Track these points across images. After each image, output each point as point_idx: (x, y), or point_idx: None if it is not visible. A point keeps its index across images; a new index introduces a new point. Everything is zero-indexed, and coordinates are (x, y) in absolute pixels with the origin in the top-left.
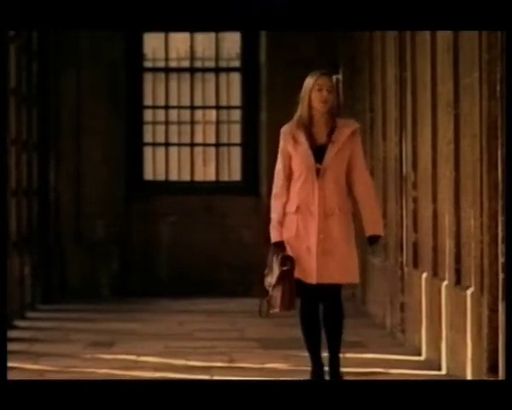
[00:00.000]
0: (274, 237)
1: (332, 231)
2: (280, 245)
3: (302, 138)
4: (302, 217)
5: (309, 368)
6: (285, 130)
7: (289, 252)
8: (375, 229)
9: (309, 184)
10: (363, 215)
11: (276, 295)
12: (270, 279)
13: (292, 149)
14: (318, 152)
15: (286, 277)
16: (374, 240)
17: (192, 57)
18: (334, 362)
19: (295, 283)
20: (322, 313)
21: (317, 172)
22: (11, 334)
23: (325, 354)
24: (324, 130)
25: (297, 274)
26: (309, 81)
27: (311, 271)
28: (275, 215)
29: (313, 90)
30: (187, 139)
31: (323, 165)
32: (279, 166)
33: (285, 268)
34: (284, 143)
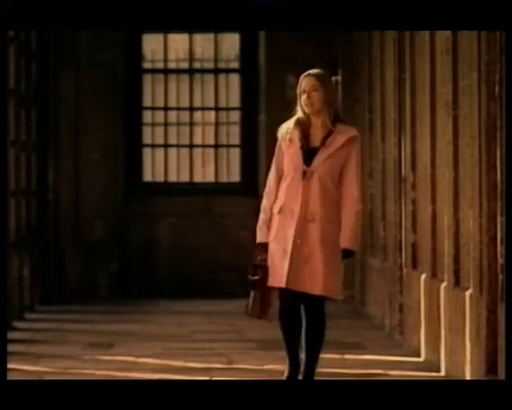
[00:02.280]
0: (258, 237)
1: (310, 237)
2: (263, 246)
3: (296, 138)
4: (283, 218)
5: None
6: (282, 128)
7: (269, 252)
8: (348, 243)
9: (295, 185)
10: (342, 227)
11: (248, 300)
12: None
13: (285, 148)
14: (310, 154)
15: (255, 286)
16: (346, 254)
17: (191, 58)
18: (307, 373)
19: (269, 287)
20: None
21: (304, 174)
22: (10, 335)
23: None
24: (321, 133)
25: (269, 280)
26: (298, 83)
27: (281, 274)
28: (262, 215)
29: (300, 94)
30: (186, 140)
31: (311, 168)
32: (272, 164)
33: (254, 278)
34: (280, 142)
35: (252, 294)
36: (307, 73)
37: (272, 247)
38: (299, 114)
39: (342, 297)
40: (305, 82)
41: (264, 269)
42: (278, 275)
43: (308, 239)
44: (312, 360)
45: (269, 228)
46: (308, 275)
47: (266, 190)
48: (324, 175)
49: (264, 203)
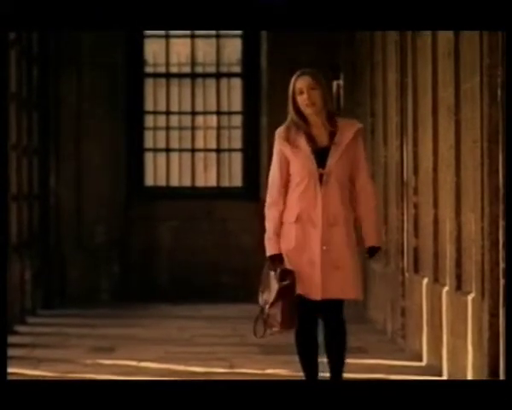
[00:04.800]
0: (270, 249)
1: (336, 242)
2: (277, 258)
3: (302, 142)
4: (302, 227)
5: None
6: (280, 133)
7: (288, 266)
8: (375, 240)
9: (311, 191)
10: (363, 225)
11: (275, 312)
12: (267, 296)
13: (290, 154)
14: (320, 156)
15: (286, 293)
16: (374, 251)
17: (193, 63)
18: (336, 378)
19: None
20: (322, 330)
21: (320, 177)
22: (11, 339)
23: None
24: (325, 131)
25: (299, 290)
26: (291, 84)
27: (314, 286)
28: (271, 225)
29: (296, 95)
30: (188, 145)
31: (326, 170)
32: (275, 172)
33: (285, 283)
34: (281, 148)
35: (278, 307)
36: (300, 72)
37: (293, 258)
38: (293, 116)
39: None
40: (300, 82)
41: (293, 275)
42: (310, 288)
43: (334, 244)
44: (340, 366)
45: (279, 239)
46: (340, 281)
47: (269, 200)
48: (340, 174)
49: (271, 213)
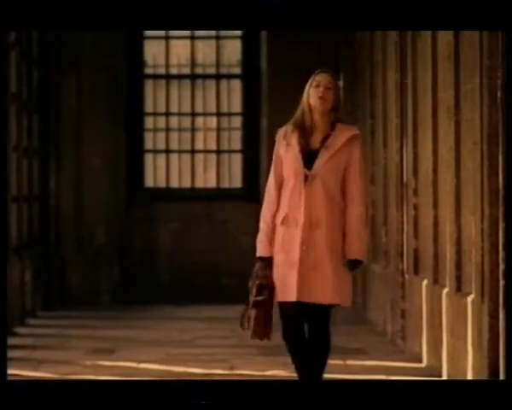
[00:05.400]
0: (259, 251)
1: (317, 244)
2: (264, 261)
3: (294, 141)
4: (288, 229)
5: None
6: (280, 132)
7: (274, 267)
8: (355, 253)
9: (296, 191)
10: (346, 235)
11: (250, 320)
12: (250, 296)
13: (283, 153)
14: (310, 157)
15: (259, 307)
16: (353, 265)
17: (193, 64)
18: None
19: (273, 305)
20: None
21: (305, 178)
22: (11, 341)
23: None
24: (321, 134)
25: (277, 296)
26: (311, 78)
27: (290, 287)
28: (263, 227)
29: (311, 87)
30: (188, 146)
31: (312, 171)
32: (271, 172)
33: (259, 299)
34: (278, 147)
35: (253, 314)
36: (322, 69)
37: (278, 260)
38: (298, 112)
39: (350, 305)
40: (320, 77)
41: (270, 288)
42: (287, 289)
43: (314, 247)
44: (319, 370)
45: (271, 241)
46: (317, 284)
47: (266, 198)
48: (327, 178)
49: (265, 213)
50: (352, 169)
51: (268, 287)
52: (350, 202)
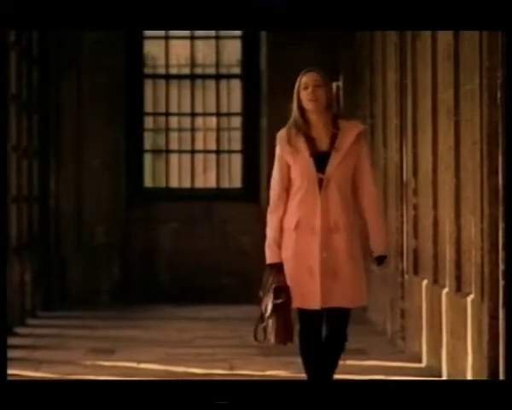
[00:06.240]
0: (269, 257)
1: (337, 249)
2: (276, 267)
3: (302, 145)
4: (302, 234)
5: None
6: (281, 135)
7: (287, 273)
8: (383, 249)
9: (310, 196)
10: (370, 233)
11: (271, 325)
12: (266, 302)
13: (290, 158)
14: (320, 160)
15: (280, 310)
16: (382, 260)
17: (192, 64)
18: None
19: (293, 311)
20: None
21: (320, 182)
22: (11, 341)
23: None
24: (325, 134)
25: (295, 303)
26: (297, 80)
27: (313, 295)
28: (271, 232)
29: (300, 89)
30: (187, 146)
31: (326, 175)
32: (275, 176)
33: (279, 301)
34: (281, 151)
35: (272, 321)
36: (308, 68)
37: (292, 266)
38: (295, 115)
39: (367, 303)
40: (307, 77)
41: (287, 291)
42: (308, 297)
43: (334, 251)
44: (332, 370)
45: (279, 246)
46: (338, 289)
47: (271, 204)
48: (341, 179)
49: (272, 220)
50: (363, 167)
51: (285, 290)
52: (367, 200)
